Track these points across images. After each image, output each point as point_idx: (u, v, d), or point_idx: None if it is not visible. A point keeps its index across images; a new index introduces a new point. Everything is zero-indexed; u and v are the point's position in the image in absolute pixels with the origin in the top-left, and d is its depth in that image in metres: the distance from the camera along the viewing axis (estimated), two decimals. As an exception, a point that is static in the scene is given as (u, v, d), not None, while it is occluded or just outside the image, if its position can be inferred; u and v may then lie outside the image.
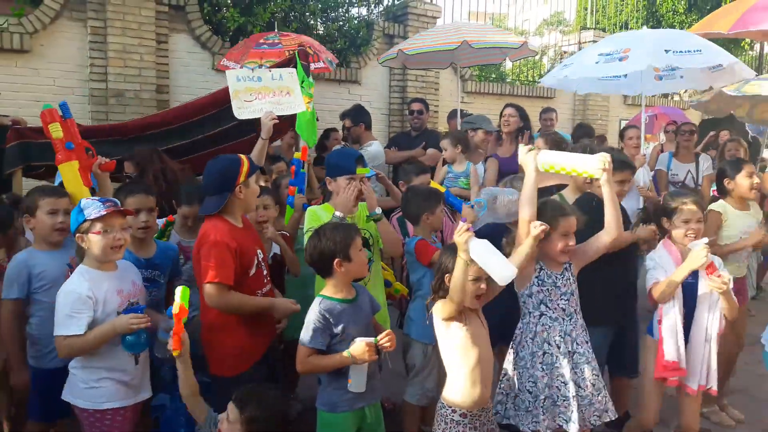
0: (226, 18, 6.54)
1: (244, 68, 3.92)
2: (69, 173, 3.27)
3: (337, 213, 3.10)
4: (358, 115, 5.74)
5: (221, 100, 4.12)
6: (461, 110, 6.71)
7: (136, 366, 2.63)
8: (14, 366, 2.85)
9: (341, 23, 7.61)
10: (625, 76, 5.81)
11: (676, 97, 11.35)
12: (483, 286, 2.63)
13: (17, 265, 2.82)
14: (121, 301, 2.59)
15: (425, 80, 7.94)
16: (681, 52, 5.01)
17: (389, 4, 8.25)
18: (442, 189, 4.37)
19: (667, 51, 5.03)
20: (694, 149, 6.42)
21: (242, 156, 2.87)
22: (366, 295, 2.81)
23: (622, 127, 7.29)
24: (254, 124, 3.84)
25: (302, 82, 3.90)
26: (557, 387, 2.82)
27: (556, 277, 2.93)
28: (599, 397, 2.87)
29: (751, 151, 6.42)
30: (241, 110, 3.79)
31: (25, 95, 5.62)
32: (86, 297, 2.46)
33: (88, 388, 2.53)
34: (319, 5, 7.35)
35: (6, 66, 5.57)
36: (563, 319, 2.90)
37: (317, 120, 4.35)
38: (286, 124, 4.08)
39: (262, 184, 3.01)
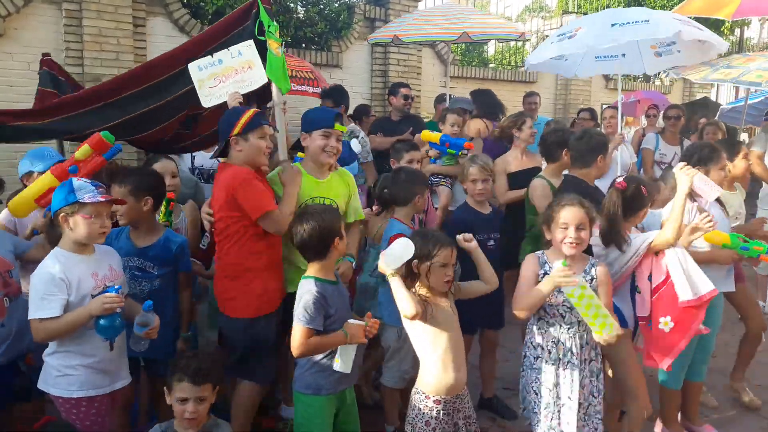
0: (204, 1, 6.46)
1: (204, 57, 3.79)
2: (40, 185, 3.08)
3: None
4: (340, 97, 5.64)
5: (178, 59, 4.00)
6: (445, 94, 6.71)
7: (111, 352, 2.58)
8: None
9: (322, 6, 7.56)
10: (624, 55, 5.75)
11: (657, 82, 11.44)
12: (450, 272, 2.66)
13: None
14: (96, 284, 2.54)
15: (407, 64, 7.92)
16: (626, 23, 4.92)
17: (370, -14, 8.19)
18: (437, 137, 4.35)
19: (613, 25, 4.97)
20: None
21: (250, 110, 2.95)
22: (339, 278, 2.84)
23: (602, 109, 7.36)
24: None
25: (268, 26, 3.82)
26: (542, 393, 2.83)
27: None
28: (586, 412, 2.81)
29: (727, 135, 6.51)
30: (208, 98, 3.72)
31: (-1, 80, 5.53)
32: (59, 279, 2.42)
33: (61, 376, 2.50)
34: (300, -12, 7.30)
35: (-21, 50, 5.47)
36: (560, 326, 2.82)
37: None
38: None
39: (266, 144, 2.97)
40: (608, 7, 11.24)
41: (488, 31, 6.32)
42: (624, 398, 3.15)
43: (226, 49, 3.72)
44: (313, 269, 2.65)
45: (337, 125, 3.11)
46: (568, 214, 2.79)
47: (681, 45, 5.50)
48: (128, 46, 5.98)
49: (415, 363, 3.42)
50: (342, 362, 2.55)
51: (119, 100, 3.90)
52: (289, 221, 2.85)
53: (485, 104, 5.93)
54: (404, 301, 2.53)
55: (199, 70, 3.72)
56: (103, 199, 2.50)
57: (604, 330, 2.61)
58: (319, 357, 2.62)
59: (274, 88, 3.77)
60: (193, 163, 5.09)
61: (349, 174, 3.35)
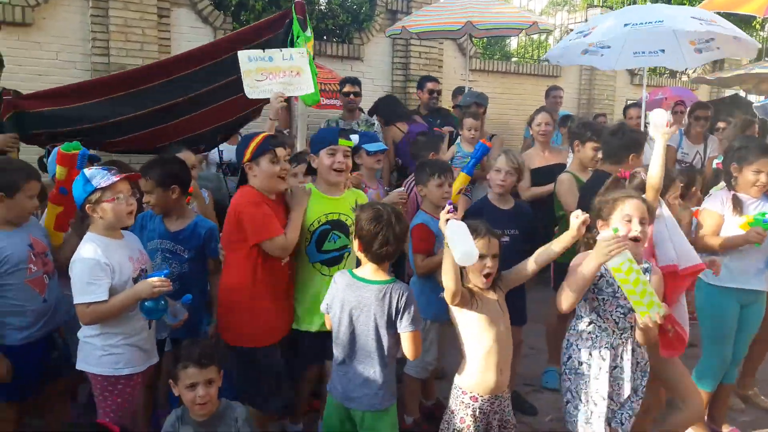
0: (228, -8, 6.48)
1: (255, 49, 3.82)
2: (49, 217, 3.14)
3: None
4: (361, 85, 5.68)
5: (209, 54, 4.05)
6: (468, 87, 6.66)
7: (149, 330, 2.69)
8: None
9: (344, -2, 7.54)
10: (663, 51, 5.68)
11: (684, 77, 11.24)
12: (489, 263, 2.53)
13: None
14: (134, 267, 2.63)
15: (429, 57, 7.87)
16: (641, 24, 4.95)
17: (393, -21, 8.15)
18: (465, 178, 4.28)
19: (625, 25, 4.98)
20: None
21: (260, 135, 2.89)
22: None
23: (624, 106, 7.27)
24: (239, 87, 3.81)
25: (297, 36, 3.85)
26: (594, 400, 2.65)
27: (618, 288, 2.56)
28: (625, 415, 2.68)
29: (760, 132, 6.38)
30: (252, 90, 3.78)
31: (28, 69, 5.59)
32: (104, 264, 2.48)
33: (106, 355, 2.55)
34: (322, -20, 7.28)
35: (8, 39, 5.54)
36: (613, 332, 2.65)
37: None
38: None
39: (281, 167, 2.88)
40: (634, 2, 11.07)
41: (495, 19, 6.22)
42: (681, 397, 3.02)
43: (278, 49, 3.76)
44: (383, 270, 2.52)
45: (342, 140, 3.02)
46: (632, 207, 2.59)
47: (719, 41, 5.42)
48: (153, 37, 6.03)
49: (440, 356, 3.46)
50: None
51: (138, 92, 3.95)
52: (293, 245, 2.83)
53: (385, 111, 5.84)
54: (446, 275, 2.42)
55: (249, 60, 3.75)
56: (117, 178, 2.55)
57: (652, 310, 2.38)
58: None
59: (298, 101, 3.82)
60: (221, 157, 5.14)
61: (363, 195, 3.28)
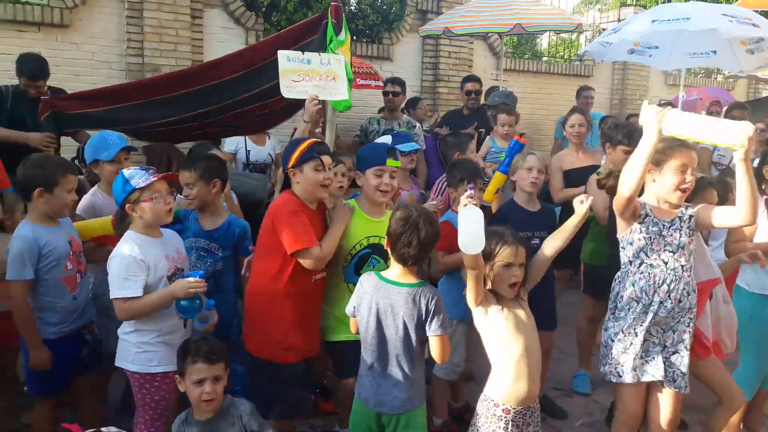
0: (260, -7, 6.54)
1: (294, 50, 3.86)
2: (99, 227, 3.19)
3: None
4: (404, 87, 5.67)
5: (246, 60, 4.09)
6: (499, 87, 6.63)
7: (184, 329, 2.73)
8: (33, 346, 2.75)
9: (374, -1, 7.55)
10: (715, 52, 5.56)
11: (720, 78, 11.00)
12: (517, 272, 2.46)
13: (27, 243, 2.70)
14: (169, 266, 2.66)
15: (458, 57, 7.83)
16: (668, 20, 4.89)
17: (423, -21, 8.13)
18: (502, 178, 4.28)
19: (653, 21, 4.94)
20: None
21: (306, 141, 2.85)
22: None
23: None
24: (277, 91, 3.83)
25: (330, 41, 3.87)
26: (646, 337, 2.71)
27: (663, 226, 2.68)
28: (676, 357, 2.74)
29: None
30: (288, 89, 3.80)
31: (66, 69, 5.71)
32: (140, 260, 2.52)
33: (141, 352, 2.60)
34: (353, -20, 7.30)
35: (47, 40, 5.68)
36: (665, 270, 2.69)
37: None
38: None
39: (325, 176, 2.85)
40: (668, 0, 10.87)
41: (543, 21, 6.20)
42: (719, 393, 3.03)
43: (317, 53, 3.80)
44: (412, 273, 2.50)
45: (389, 161, 2.93)
46: (687, 157, 2.58)
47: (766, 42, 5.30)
48: (186, 38, 6.12)
49: (468, 356, 3.45)
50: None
51: (177, 96, 4.01)
52: (327, 259, 2.78)
53: None
54: (469, 283, 2.41)
55: (287, 60, 3.78)
56: (155, 178, 2.60)
57: (737, 131, 2.33)
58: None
59: (328, 106, 3.84)
60: (248, 158, 5.19)
61: None
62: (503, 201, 5.01)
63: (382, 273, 2.54)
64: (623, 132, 4.08)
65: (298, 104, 4.06)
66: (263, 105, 4.15)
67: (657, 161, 2.67)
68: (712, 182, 3.23)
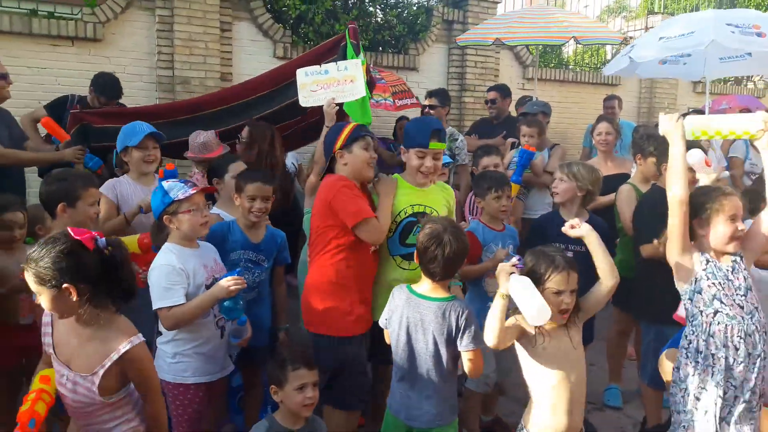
0: (287, 6, 6.61)
1: (312, 66, 3.97)
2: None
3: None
4: (445, 98, 5.67)
5: (269, 81, 4.22)
6: (532, 96, 6.62)
7: (221, 339, 2.74)
8: None
9: (400, 9, 7.58)
10: (750, 54, 5.40)
11: (750, 85, 10.80)
12: (567, 299, 2.35)
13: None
14: (207, 275, 2.69)
15: (485, 66, 7.82)
16: (671, 38, 4.79)
17: (449, -11, 8.16)
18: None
19: (660, 38, 4.84)
20: None
21: (350, 125, 2.95)
22: None
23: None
24: (301, 108, 3.96)
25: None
26: (730, 392, 2.50)
27: (727, 271, 2.54)
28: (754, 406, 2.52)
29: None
30: (306, 99, 3.91)
31: (98, 82, 5.84)
32: (180, 269, 2.55)
33: (176, 363, 2.62)
34: (379, -9, 7.34)
35: (80, 54, 5.81)
36: (742, 318, 2.50)
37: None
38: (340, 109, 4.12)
39: (371, 154, 2.93)
40: (697, 8, 10.73)
41: (595, 35, 6.21)
42: None
43: (333, 62, 3.89)
44: (442, 288, 2.49)
45: (433, 144, 2.89)
46: (736, 204, 2.50)
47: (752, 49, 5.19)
48: (215, 50, 6.21)
49: (499, 369, 3.40)
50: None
51: (202, 115, 4.11)
52: (386, 231, 2.81)
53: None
54: (488, 329, 2.30)
55: (305, 75, 3.90)
56: (194, 191, 2.64)
57: (756, 119, 2.43)
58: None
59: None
60: None
61: (449, 189, 3.22)
62: (521, 209, 5.02)
63: (413, 286, 2.54)
64: (654, 143, 4.04)
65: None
66: (295, 121, 4.23)
67: (703, 217, 2.57)
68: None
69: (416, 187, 3.00)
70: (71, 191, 2.84)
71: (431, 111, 5.49)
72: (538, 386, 2.41)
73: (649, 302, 3.41)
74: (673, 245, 2.57)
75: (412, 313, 2.46)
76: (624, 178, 4.39)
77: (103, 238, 1.96)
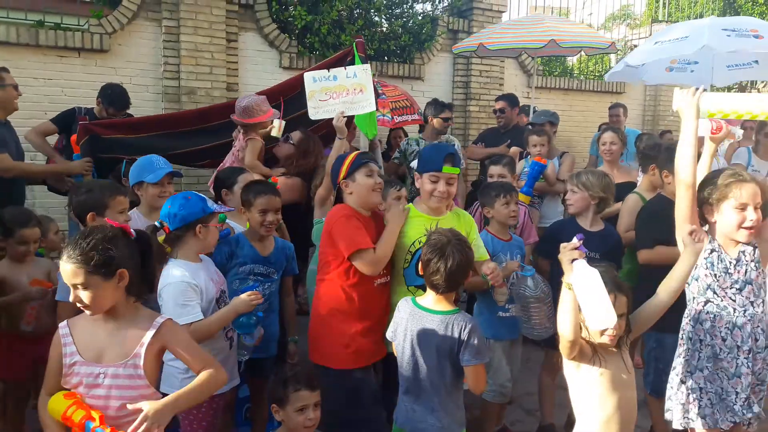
0: (293, 16, 6.63)
1: (320, 70, 3.95)
2: None
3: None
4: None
5: (278, 93, 4.26)
6: (533, 107, 6.61)
7: (230, 351, 2.74)
8: None
9: (405, 19, 7.60)
10: (757, 62, 5.44)
11: (754, 92, 10.79)
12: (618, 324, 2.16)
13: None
14: (216, 289, 2.68)
15: (489, 75, 7.83)
16: (737, 30, 4.73)
17: (454, -1, 8.18)
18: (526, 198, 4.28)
19: (655, 42, 4.86)
20: None
21: (352, 153, 2.94)
22: None
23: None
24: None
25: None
26: (719, 383, 2.53)
27: (730, 263, 2.53)
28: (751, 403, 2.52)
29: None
30: (316, 110, 3.88)
31: (104, 93, 5.86)
32: (194, 285, 2.54)
33: (188, 378, 2.55)
34: (384, 2, 7.35)
35: (87, 66, 5.83)
36: (733, 309, 2.52)
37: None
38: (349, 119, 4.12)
39: (375, 180, 2.89)
40: (701, 15, 10.74)
41: (577, 39, 6.19)
42: None
43: (342, 68, 3.86)
44: (446, 301, 2.46)
45: (446, 168, 2.84)
46: (747, 193, 2.41)
47: (759, 57, 5.23)
48: (221, 60, 6.22)
49: (513, 376, 3.36)
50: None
51: (211, 126, 4.12)
52: (384, 262, 2.77)
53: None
54: (562, 319, 2.13)
55: (313, 81, 3.87)
56: (227, 209, 2.72)
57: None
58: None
59: (360, 134, 3.90)
60: None
61: (467, 217, 3.14)
62: (536, 217, 5.01)
63: (418, 299, 2.52)
64: (663, 154, 4.03)
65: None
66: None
67: (712, 201, 2.53)
68: None
69: (430, 215, 2.95)
70: (99, 200, 2.88)
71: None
72: (591, 412, 2.27)
73: None
74: (678, 230, 2.54)
75: (416, 326, 2.44)
76: (630, 186, 4.38)
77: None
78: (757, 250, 2.57)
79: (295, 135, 4.13)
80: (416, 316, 2.46)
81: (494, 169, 4.31)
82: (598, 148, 5.08)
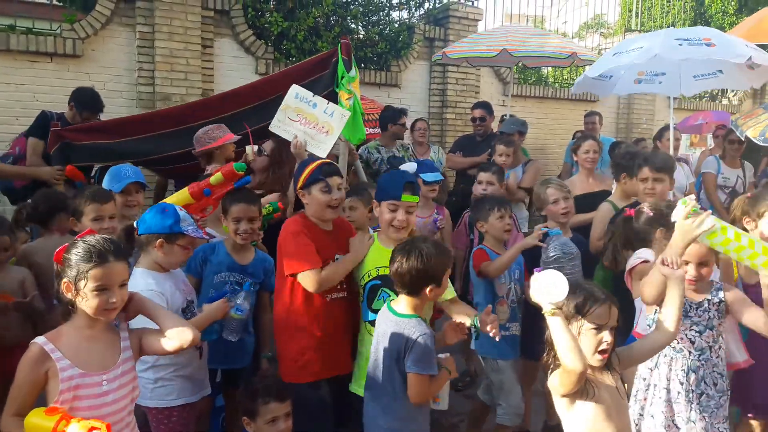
0: (269, 23, 6.63)
1: (307, 89, 3.89)
2: (176, 200, 3.26)
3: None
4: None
5: (256, 92, 4.16)
6: (509, 114, 6.70)
7: (200, 360, 2.72)
8: None
9: (382, 27, 7.63)
10: (721, 71, 5.56)
11: (725, 101, 11.04)
12: (608, 337, 2.07)
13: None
14: (182, 298, 2.65)
15: (465, 83, 7.90)
16: (690, 39, 4.86)
17: (430, 7, 8.23)
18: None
19: (677, 39, 4.91)
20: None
21: (315, 162, 2.83)
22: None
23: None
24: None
25: (341, 77, 3.91)
26: (674, 427, 2.53)
27: (691, 307, 2.56)
28: None
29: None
30: (280, 125, 3.79)
31: (77, 99, 5.77)
32: (159, 293, 2.50)
33: (159, 387, 2.57)
34: (361, 9, 7.38)
35: (59, 71, 5.74)
36: (690, 352, 2.53)
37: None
38: None
39: (332, 197, 2.79)
40: (673, 24, 10.96)
41: (531, 48, 6.24)
42: None
43: (325, 100, 3.79)
44: (408, 305, 2.44)
45: (405, 196, 2.74)
46: (690, 251, 2.39)
47: (723, 67, 5.42)
48: (197, 66, 6.18)
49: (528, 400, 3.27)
50: (443, 400, 2.46)
51: (184, 129, 4.05)
52: (328, 285, 2.71)
53: None
54: (567, 349, 1.94)
55: (294, 97, 3.79)
56: (206, 235, 2.67)
57: None
58: (405, 411, 2.45)
59: (341, 139, 3.87)
60: None
61: None
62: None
63: (393, 301, 2.55)
64: (637, 161, 4.10)
65: None
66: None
67: (754, 214, 2.72)
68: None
69: (386, 247, 2.78)
70: (76, 207, 2.96)
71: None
72: None
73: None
74: (652, 275, 2.46)
75: (381, 325, 2.49)
76: (605, 195, 4.43)
77: None
78: (723, 303, 2.59)
79: (268, 145, 4.06)
80: (383, 315, 2.52)
81: (483, 176, 4.29)
82: (574, 156, 5.12)
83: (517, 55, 6.20)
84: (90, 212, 2.95)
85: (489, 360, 3.31)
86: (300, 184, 2.82)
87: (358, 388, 2.74)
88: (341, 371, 2.86)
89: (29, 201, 3.53)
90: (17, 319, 3.05)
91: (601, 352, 2.08)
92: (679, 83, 5.68)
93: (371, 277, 2.81)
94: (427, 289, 2.40)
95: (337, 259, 2.80)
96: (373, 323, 2.71)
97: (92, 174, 4.42)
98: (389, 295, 2.73)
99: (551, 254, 3.19)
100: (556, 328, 1.97)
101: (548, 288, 1.95)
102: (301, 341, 2.77)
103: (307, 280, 2.68)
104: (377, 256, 2.82)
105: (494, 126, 6.53)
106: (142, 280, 2.52)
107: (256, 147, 3.91)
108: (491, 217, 3.42)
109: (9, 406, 1.88)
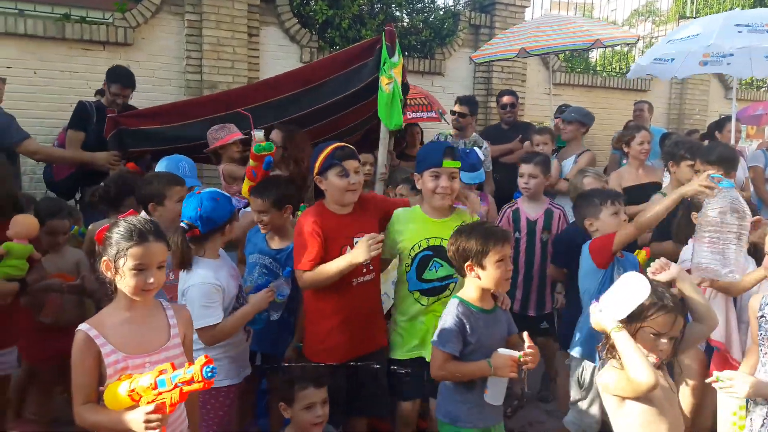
0: (314, 11, 6.63)
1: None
2: (244, 188, 3.53)
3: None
4: (474, 105, 5.57)
5: (304, 79, 4.20)
6: (565, 105, 6.54)
7: (246, 343, 2.80)
8: None
9: (427, 14, 7.55)
10: (730, 60, 5.35)
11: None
12: (665, 346, 2.03)
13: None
14: (235, 284, 2.70)
15: (512, 71, 7.75)
16: (751, 26, 4.61)
17: (476, -6, 8.11)
18: None
19: (737, 24, 4.66)
20: None
21: (329, 147, 2.76)
22: (506, 314, 2.60)
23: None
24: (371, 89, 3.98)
25: (383, 63, 3.90)
26: None
27: None
28: None
29: None
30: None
31: (128, 86, 5.91)
32: (218, 286, 2.56)
33: None
34: (405, -4, 7.32)
35: (111, 59, 5.85)
36: None
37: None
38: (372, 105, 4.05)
39: (350, 180, 2.73)
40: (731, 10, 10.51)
41: (550, 43, 6.08)
42: None
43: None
44: (464, 288, 2.47)
45: (447, 162, 2.73)
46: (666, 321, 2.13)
47: None
48: (243, 55, 6.24)
49: (602, 420, 2.96)
50: (491, 393, 2.37)
51: (236, 113, 4.09)
52: (317, 284, 2.71)
53: None
54: (638, 364, 1.92)
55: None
56: (244, 205, 2.80)
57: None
58: (454, 385, 2.44)
59: (381, 125, 3.88)
60: None
61: (470, 218, 2.94)
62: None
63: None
64: (685, 147, 3.96)
65: (368, 127, 4.23)
66: (330, 123, 4.22)
67: None
68: None
69: (433, 218, 2.84)
70: (157, 192, 3.06)
71: (460, 119, 5.41)
72: None
73: None
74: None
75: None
76: (656, 187, 4.31)
77: None
78: None
79: (276, 135, 3.94)
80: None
81: (525, 168, 4.03)
82: (623, 147, 4.93)
83: (533, 52, 6.08)
84: (174, 194, 3.06)
85: (588, 363, 3.07)
86: (316, 170, 2.77)
87: (402, 354, 2.85)
88: (369, 350, 2.86)
89: (102, 184, 3.64)
90: (72, 300, 3.16)
91: (658, 356, 2.06)
92: (750, 64, 5.38)
93: (421, 248, 2.83)
94: (466, 267, 2.41)
95: (356, 243, 2.71)
96: (422, 292, 2.82)
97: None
98: (441, 265, 2.81)
99: (716, 206, 2.54)
100: (623, 343, 1.97)
101: (626, 295, 1.97)
102: (327, 323, 2.78)
103: (301, 280, 2.74)
104: (423, 228, 2.83)
105: (550, 115, 6.41)
106: (203, 272, 2.56)
107: (261, 133, 3.90)
108: (603, 213, 3.08)
109: (76, 397, 1.90)
